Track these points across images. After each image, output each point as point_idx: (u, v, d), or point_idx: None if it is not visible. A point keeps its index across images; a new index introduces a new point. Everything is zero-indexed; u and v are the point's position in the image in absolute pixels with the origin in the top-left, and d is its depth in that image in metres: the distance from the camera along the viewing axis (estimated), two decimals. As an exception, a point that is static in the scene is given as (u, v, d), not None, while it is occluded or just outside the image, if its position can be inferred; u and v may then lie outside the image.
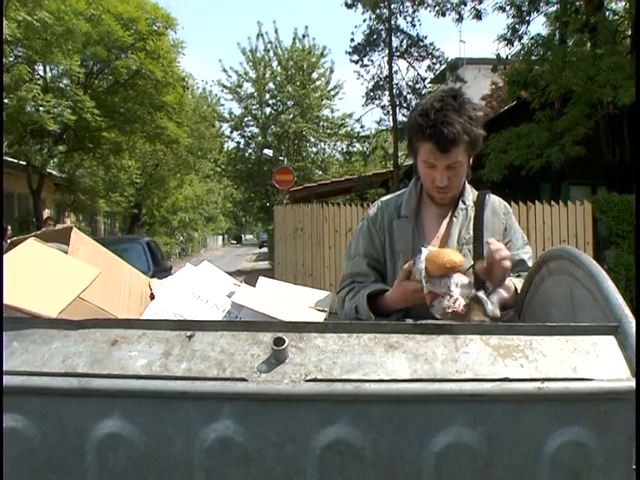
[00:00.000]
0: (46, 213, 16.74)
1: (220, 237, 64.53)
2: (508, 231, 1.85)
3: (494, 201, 1.88)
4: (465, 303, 1.52)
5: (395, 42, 16.72)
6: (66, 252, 1.60)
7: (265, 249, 31.51)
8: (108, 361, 1.09)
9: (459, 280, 1.54)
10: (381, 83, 17.13)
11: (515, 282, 1.71)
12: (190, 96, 20.20)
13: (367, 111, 35.06)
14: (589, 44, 10.57)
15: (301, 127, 22.78)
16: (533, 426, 1.04)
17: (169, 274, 2.06)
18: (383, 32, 16.56)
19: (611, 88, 8.79)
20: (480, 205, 1.82)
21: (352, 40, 17.06)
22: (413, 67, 17.29)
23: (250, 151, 24.12)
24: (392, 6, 16.12)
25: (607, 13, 10.85)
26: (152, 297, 1.80)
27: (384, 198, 1.93)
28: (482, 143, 1.74)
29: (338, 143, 24.24)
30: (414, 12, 16.23)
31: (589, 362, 1.07)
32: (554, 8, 11.57)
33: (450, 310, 1.50)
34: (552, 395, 1.04)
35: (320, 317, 1.77)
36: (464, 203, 1.81)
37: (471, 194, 1.86)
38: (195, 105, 21.68)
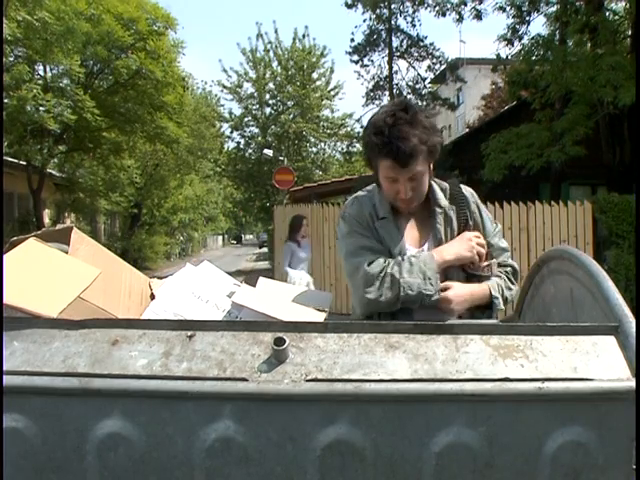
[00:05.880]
0: (46, 213, 16.75)
1: (220, 237, 64.49)
2: (483, 218, 1.86)
3: (467, 191, 1.89)
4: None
5: (395, 42, 16.77)
6: (66, 252, 1.60)
7: (265, 249, 31.48)
8: (108, 361, 1.09)
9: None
10: (381, 83, 17.15)
11: (491, 285, 1.74)
12: (190, 96, 20.19)
13: (367, 111, 34.96)
14: (589, 44, 10.57)
15: (301, 127, 22.76)
16: (533, 426, 1.04)
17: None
18: (383, 32, 16.59)
19: (612, 88, 8.78)
20: (462, 200, 1.84)
21: (352, 40, 17.11)
22: (413, 67, 17.33)
23: (250, 151, 24.10)
24: (392, 6, 16.15)
25: (607, 13, 10.85)
26: (152, 297, 1.80)
27: (359, 195, 1.87)
28: (440, 149, 1.74)
29: (338, 143, 24.24)
30: (414, 12, 16.28)
31: (589, 362, 1.07)
32: (554, 8, 11.58)
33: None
34: (552, 395, 1.04)
35: (320, 317, 1.77)
36: (440, 207, 1.81)
37: (439, 192, 1.84)
38: (195, 105, 21.68)
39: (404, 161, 1.64)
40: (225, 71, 23.52)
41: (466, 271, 1.77)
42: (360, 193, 1.89)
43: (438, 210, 1.81)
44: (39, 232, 1.68)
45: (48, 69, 14.39)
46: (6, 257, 1.46)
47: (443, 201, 1.82)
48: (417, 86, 17.48)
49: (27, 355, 1.11)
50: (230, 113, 24.17)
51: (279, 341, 1.07)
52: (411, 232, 1.82)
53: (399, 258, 1.72)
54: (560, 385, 1.04)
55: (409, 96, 17.24)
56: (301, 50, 23.31)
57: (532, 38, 11.07)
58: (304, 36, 23.47)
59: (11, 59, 12.69)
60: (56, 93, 12.70)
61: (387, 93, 17.09)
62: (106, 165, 16.99)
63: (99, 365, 1.09)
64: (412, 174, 1.68)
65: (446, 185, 1.88)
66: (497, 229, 1.90)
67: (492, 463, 1.05)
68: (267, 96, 23.73)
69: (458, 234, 1.80)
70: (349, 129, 22.84)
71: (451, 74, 18.22)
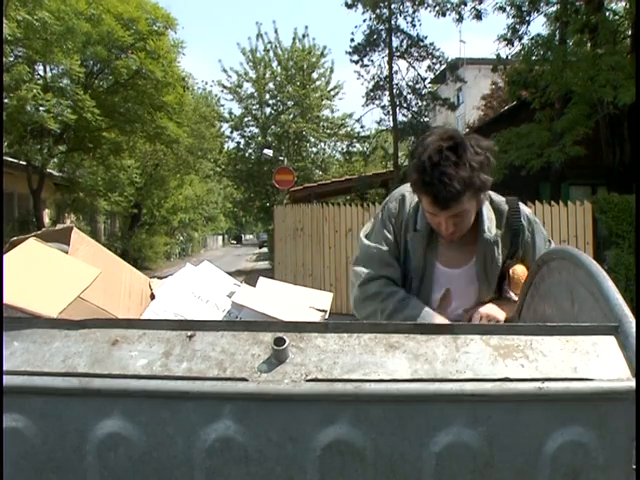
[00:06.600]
0: (46, 213, 16.75)
1: (220, 237, 64.49)
2: (535, 245, 1.80)
3: (524, 215, 1.78)
4: None
5: (395, 42, 16.72)
6: (66, 252, 1.60)
7: (265, 249, 31.47)
8: (108, 361, 1.10)
9: None
10: (381, 83, 17.12)
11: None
12: (190, 96, 20.20)
13: (367, 111, 35.11)
14: (589, 44, 10.57)
15: (301, 127, 22.74)
16: (533, 426, 1.04)
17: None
18: (383, 32, 16.56)
19: (611, 88, 8.79)
20: (517, 228, 1.75)
21: (352, 40, 17.06)
22: (413, 67, 17.28)
23: (250, 151, 24.08)
24: (392, 6, 16.12)
25: (607, 13, 10.84)
26: (152, 297, 1.80)
27: (407, 193, 1.76)
28: (490, 183, 1.63)
29: (338, 143, 24.23)
30: (414, 12, 16.23)
31: (589, 362, 1.07)
32: (554, 8, 11.58)
33: None
34: (552, 395, 1.04)
35: (320, 317, 1.77)
36: (485, 239, 1.71)
37: (489, 221, 1.73)
38: (195, 105, 21.69)
39: (444, 204, 1.55)
40: (225, 71, 23.53)
41: (500, 292, 1.79)
42: (410, 192, 1.74)
43: (484, 238, 1.72)
44: (39, 232, 1.69)
45: (48, 69, 14.41)
46: (6, 257, 1.46)
47: (489, 233, 1.72)
48: (417, 86, 17.45)
49: (27, 355, 1.11)
50: (230, 113, 24.16)
51: (279, 341, 1.07)
52: (450, 252, 1.75)
53: (400, 294, 1.70)
54: (560, 385, 1.04)
55: (409, 96, 17.24)
56: (301, 50, 23.31)
57: (532, 38, 11.08)
58: (304, 36, 23.49)
59: (11, 59, 12.70)
60: (56, 93, 12.71)
61: (387, 93, 17.07)
62: (106, 165, 17.00)
63: (99, 365, 1.09)
64: (454, 213, 1.59)
65: (504, 208, 1.77)
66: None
67: (492, 463, 1.05)
68: (267, 96, 23.71)
69: (504, 261, 1.74)
70: (349, 129, 22.80)
71: (451, 74, 18.19)
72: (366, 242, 1.78)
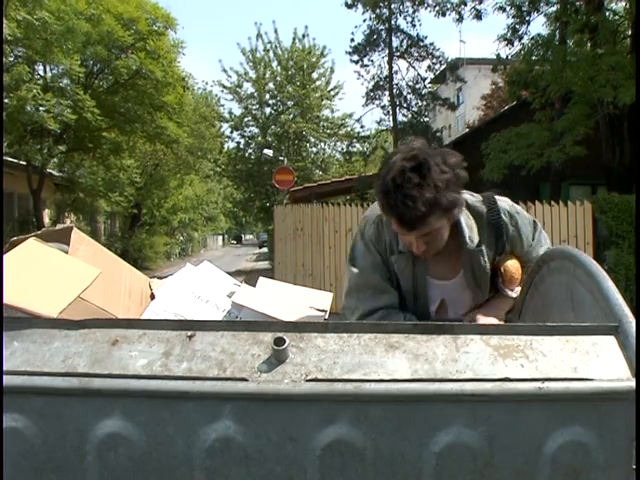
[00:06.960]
0: (46, 213, 16.75)
1: (220, 237, 64.47)
2: (521, 237, 1.76)
3: (504, 212, 1.74)
4: None
5: (395, 42, 16.77)
6: (66, 252, 1.60)
7: (265, 249, 31.49)
8: (109, 361, 1.10)
9: None
10: (381, 83, 17.15)
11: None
12: (190, 96, 20.20)
13: (367, 111, 35.12)
14: (589, 44, 10.57)
15: (301, 127, 22.74)
16: (533, 426, 1.04)
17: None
18: (383, 32, 16.59)
19: (611, 88, 8.79)
20: (499, 228, 1.71)
21: (352, 40, 17.09)
22: (413, 67, 17.33)
23: (250, 151, 24.07)
24: (392, 6, 16.16)
25: (607, 13, 10.84)
26: (152, 297, 1.80)
27: (384, 218, 1.69)
28: (461, 202, 1.59)
29: (338, 143, 24.23)
30: (414, 12, 16.28)
31: (589, 362, 1.07)
32: (554, 8, 11.57)
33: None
34: (552, 395, 1.04)
35: (320, 317, 1.77)
36: (468, 250, 1.69)
37: (469, 230, 1.69)
38: (195, 105, 21.69)
39: (410, 226, 1.52)
40: (225, 71, 23.50)
41: (496, 289, 1.79)
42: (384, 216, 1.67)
43: (467, 250, 1.69)
44: (39, 232, 1.69)
45: (48, 69, 14.41)
46: (6, 257, 1.46)
47: (472, 243, 1.69)
48: (417, 86, 17.49)
49: (27, 355, 1.11)
50: (230, 113, 24.13)
51: (279, 341, 1.08)
52: (438, 265, 1.72)
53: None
54: (560, 385, 1.04)
55: (409, 96, 17.25)
56: (301, 50, 23.30)
57: (532, 38, 11.07)
58: (304, 36, 23.48)
59: (11, 59, 12.70)
60: (56, 93, 12.71)
61: (387, 93, 17.10)
62: (106, 165, 16.99)
63: (99, 365, 1.09)
64: (423, 233, 1.56)
65: (483, 210, 1.72)
66: (536, 236, 1.78)
67: (492, 463, 1.05)
68: (267, 96, 23.70)
69: (493, 260, 1.73)
70: (349, 129, 22.83)
71: (451, 74, 18.22)
72: (355, 271, 1.72)
